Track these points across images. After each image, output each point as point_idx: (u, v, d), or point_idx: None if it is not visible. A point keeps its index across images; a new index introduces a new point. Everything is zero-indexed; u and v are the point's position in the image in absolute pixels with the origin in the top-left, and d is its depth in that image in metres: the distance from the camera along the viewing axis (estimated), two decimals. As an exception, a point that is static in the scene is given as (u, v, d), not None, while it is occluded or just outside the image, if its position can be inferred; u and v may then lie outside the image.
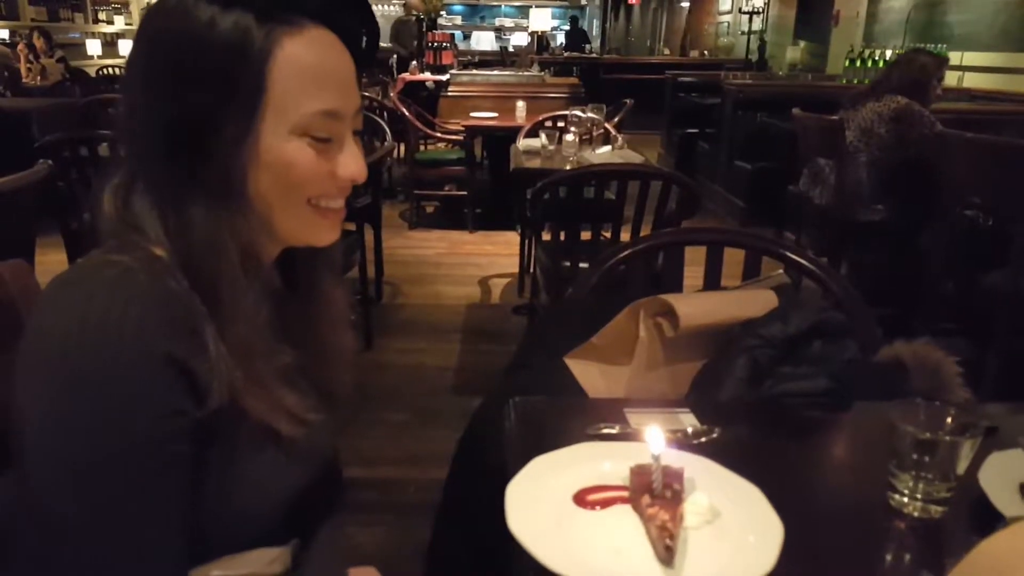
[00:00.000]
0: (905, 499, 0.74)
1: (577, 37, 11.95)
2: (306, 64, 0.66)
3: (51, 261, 2.94)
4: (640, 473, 0.73)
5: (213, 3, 0.64)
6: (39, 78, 6.97)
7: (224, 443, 0.66)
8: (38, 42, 7.26)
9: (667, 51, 12.06)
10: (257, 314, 0.68)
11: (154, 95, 0.65)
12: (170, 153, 0.65)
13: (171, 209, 0.65)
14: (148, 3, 0.69)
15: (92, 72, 7.84)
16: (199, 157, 0.64)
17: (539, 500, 0.73)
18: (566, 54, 10.61)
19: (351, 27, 0.71)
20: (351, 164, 0.70)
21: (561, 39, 12.72)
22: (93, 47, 9.23)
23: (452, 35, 7.28)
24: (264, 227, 0.69)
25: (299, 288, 0.80)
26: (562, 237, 2.64)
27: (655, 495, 0.70)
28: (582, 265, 2.51)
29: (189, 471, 0.64)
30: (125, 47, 9.44)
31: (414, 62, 6.52)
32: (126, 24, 10.46)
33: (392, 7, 11.54)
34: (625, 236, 2.64)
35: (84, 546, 0.60)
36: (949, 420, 0.76)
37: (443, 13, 9.89)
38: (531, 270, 3.34)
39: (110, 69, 8.15)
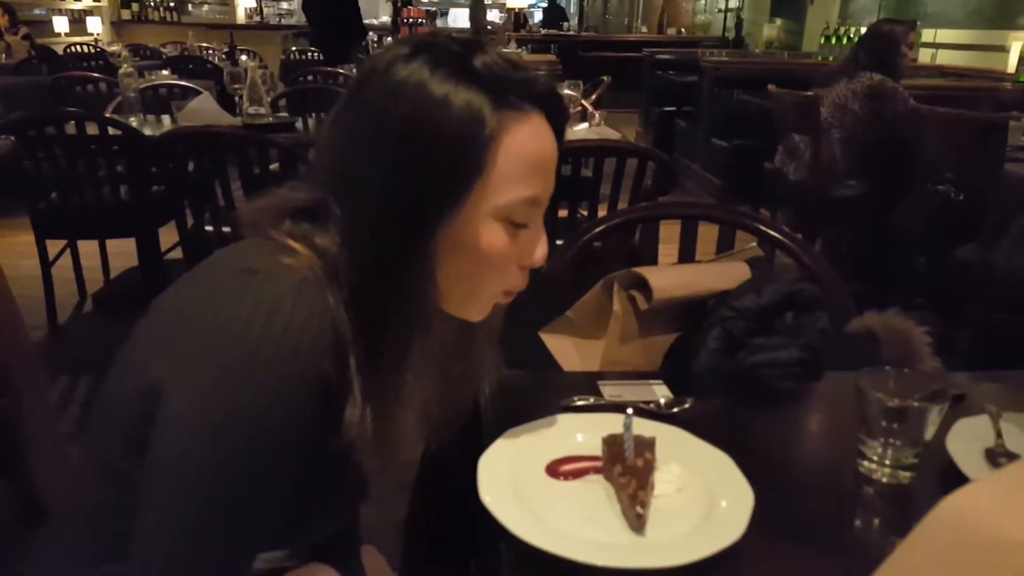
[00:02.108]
0: (874, 466, 0.75)
1: (555, 14, 11.85)
2: (528, 151, 0.66)
3: (20, 242, 2.90)
4: (612, 443, 0.74)
5: (448, 80, 0.63)
6: (3, 56, 6.78)
7: (321, 465, 0.66)
8: (2, 19, 7.05)
9: (644, 29, 12.00)
10: (410, 374, 0.67)
11: (375, 161, 0.65)
12: (375, 213, 0.64)
13: (358, 257, 0.64)
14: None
15: (59, 50, 7.64)
16: (402, 223, 0.64)
17: (511, 472, 0.73)
18: (544, 31, 10.53)
19: (561, 114, 0.71)
20: (540, 249, 0.71)
21: (539, 16, 12.60)
22: (60, 24, 8.97)
23: (427, 11, 7.18)
24: (442, 299, 0.69)
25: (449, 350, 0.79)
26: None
27: (627, 465, 0.70)
28: (558, 242, 2.50)
29: (294, 482, 0.63)
30: (93, 24, 9.20)
31: (389, 39, 6.42)
32: (93, 1, 10.19)
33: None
34: (603, 213, 2.64)
35: (180, 532, 0.58)
36: (917, 388, 0.77)
37: (419, -10, 9.76)
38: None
39: (78, 47, 7.95)
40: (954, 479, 0.72)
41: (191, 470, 0.58)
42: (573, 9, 13.74)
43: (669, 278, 1.05)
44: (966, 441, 0.77)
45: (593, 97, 4.29)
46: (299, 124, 3.54)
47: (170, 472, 0.58)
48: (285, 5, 11.23)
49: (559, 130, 0.71)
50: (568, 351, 1.11)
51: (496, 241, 0.67)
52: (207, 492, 0.58)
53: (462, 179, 0.64)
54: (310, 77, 4.90)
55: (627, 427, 0.72)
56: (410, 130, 0.64)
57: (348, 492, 0.74)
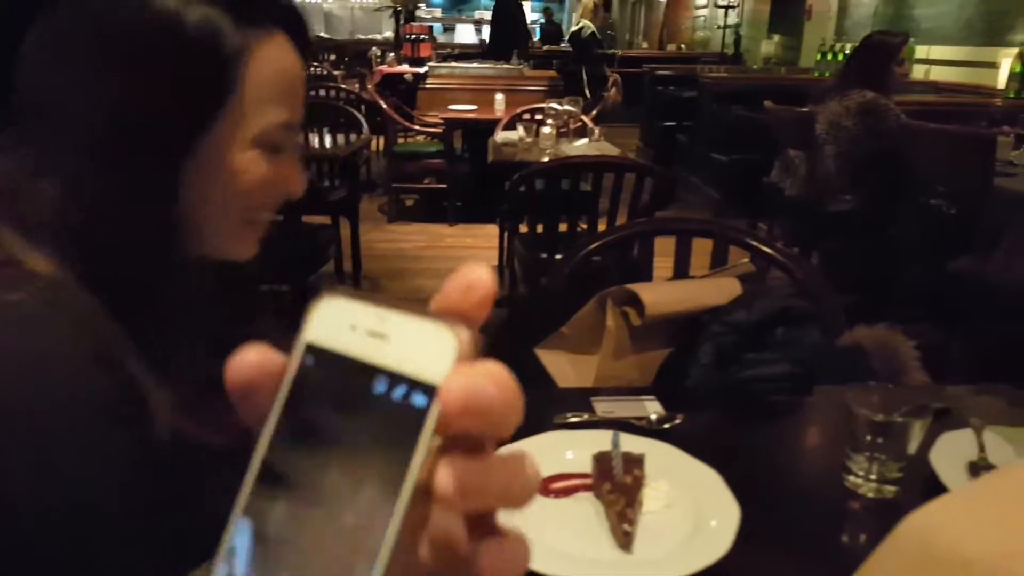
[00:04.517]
0: (860, 480, 0.76)
1: (552, 30, 11.93)
2: (277, 73, 0.62)
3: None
4: (602, 460, 0.75)
5: None
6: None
7: (184, 465, 0.59)
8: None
9: (645, 45, 12.09)
10: (181, 326, 0.61)
11: (98, 83, 0.57)
12: (103, 149, 0.57)
13: (89, 209, 0.56)
14: None
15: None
16: (139, 158, 0.57)
17: (503, 487, 0.74)
18: (545, 47, 10.59)
19: (304, 33, 0.67)
20: (298, 179, 0.67)
21: (538, 34, 12.68)
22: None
23: (430, 27, 7.25)
24: (192, 236, 0.63)
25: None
26: (539, 229, 2.66)
27: (615, 482, 0.72)
28: (558, 257, 2.52)
29: (153, 499, 0.56)
30: None
31: (392, 54, 6.48)
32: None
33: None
34: (603, 228, 2.67)
35: None
36: (901, 402, 0.78)
37: (422, 6, 9.85)
38: (510, 262, 3.35)
39: None
40: (937, 493, 0.73)
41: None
42: (576, 25, 13.82)
43: (661, 294, 1.07)
44: (950, 455, 0.78)
45: (593, 112, 4.34)
46: (299, 139, 3.57)
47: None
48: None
49: (304, 50, 0.66)
50: (563, 367, 1.13)
51: (255, 170, 0.62)
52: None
53: (203, 103, 0.59)
54: (312, 92, 4.96)
55: (615, 445, 0.73)
56: (136, 49, 0.57)
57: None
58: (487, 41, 7.82)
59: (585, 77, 8.02)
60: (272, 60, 0.62)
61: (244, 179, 0.62)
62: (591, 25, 8.28)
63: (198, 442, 0.60)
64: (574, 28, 8.48)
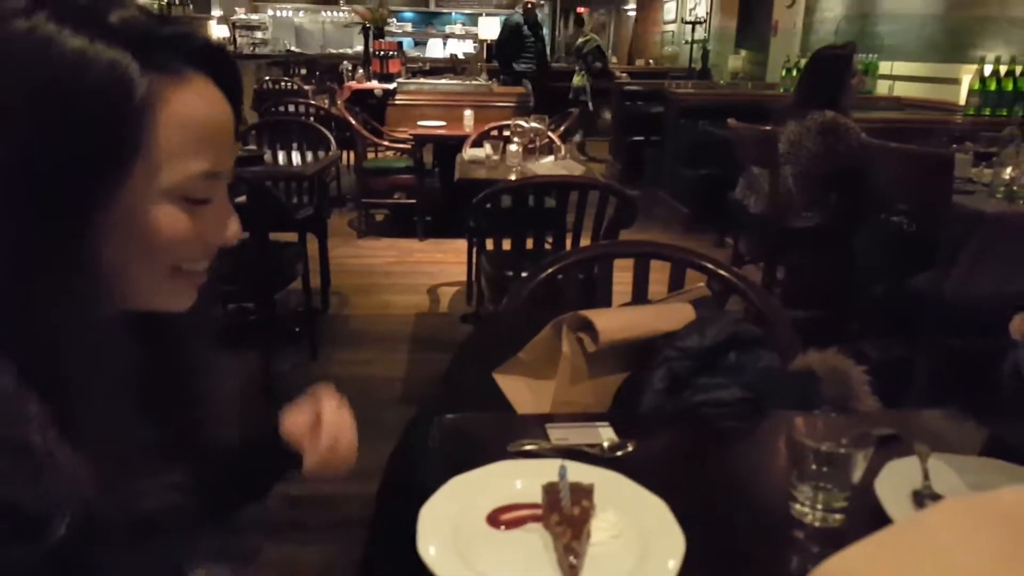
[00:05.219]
0: (806, 509, 0.77)
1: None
2: (193, 121, 0.58)
3: None
4: (550, 491, 0.75)
5: (80, 36, 0.53)
6: None
7: (102, 546, 0.56)
8: None
9: (615, 60, 12.21)
10: (109, 396, 0.57)
11: None
12: (2, 210, 0.53)
13: None
14: None
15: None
16: (39, 216, 0.53)
17: (453, 522, 0.74)
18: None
19: (230, 74, 0.63)
20: (232, 227, 0.63)
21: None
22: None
23: (399, 43, 7.25)
24: (111, 294, 0.58)
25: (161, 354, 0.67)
26: (505, 247, 2.67)
27: (563, 513, 0.72)
28: (524, 275, 2.53)
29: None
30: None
31: (360, 70, 6.47)
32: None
33: (340, 13, 11.46)
34: (569, 242, 2.69)
35: None
36: (846, 431, 0.79)
37: (392, 20, 9.86)
38: (478, 278, 3.35)
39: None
40: (883, 522, 0.74)
41: None
42: (545, 40, 13.93)
43: (615, 320, 1.07)
44: (894, 483, 0.79)
45: (561, 129, 4.36)
46: (268, 157, 3.55)
47: None
48: (259, 35, 11.26)
49: (230, 91, 0.62)
50: (521, 391, 1.13)
51: (174, 224, 0.58)
52: None
53: (114, 160, 0.54)
54: (282, 108, 4.93)
55: (562, 476, 0.73)
56: (35, 97, 0.52)
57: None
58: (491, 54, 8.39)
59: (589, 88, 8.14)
60: (188, 107, 0.58)
61: (163, 235, 0.58)
62: (597, 39, 8.37)
63: (124, 510, 0.57)
64: (580, 40, 8.56)
